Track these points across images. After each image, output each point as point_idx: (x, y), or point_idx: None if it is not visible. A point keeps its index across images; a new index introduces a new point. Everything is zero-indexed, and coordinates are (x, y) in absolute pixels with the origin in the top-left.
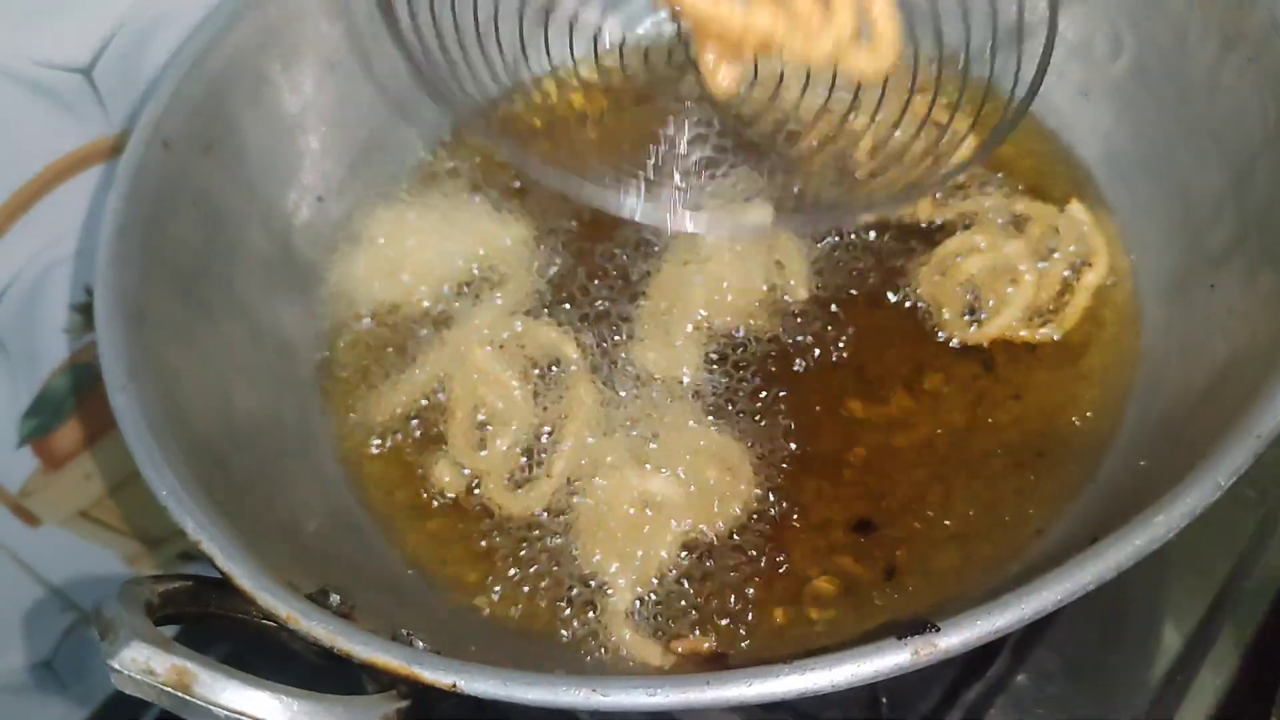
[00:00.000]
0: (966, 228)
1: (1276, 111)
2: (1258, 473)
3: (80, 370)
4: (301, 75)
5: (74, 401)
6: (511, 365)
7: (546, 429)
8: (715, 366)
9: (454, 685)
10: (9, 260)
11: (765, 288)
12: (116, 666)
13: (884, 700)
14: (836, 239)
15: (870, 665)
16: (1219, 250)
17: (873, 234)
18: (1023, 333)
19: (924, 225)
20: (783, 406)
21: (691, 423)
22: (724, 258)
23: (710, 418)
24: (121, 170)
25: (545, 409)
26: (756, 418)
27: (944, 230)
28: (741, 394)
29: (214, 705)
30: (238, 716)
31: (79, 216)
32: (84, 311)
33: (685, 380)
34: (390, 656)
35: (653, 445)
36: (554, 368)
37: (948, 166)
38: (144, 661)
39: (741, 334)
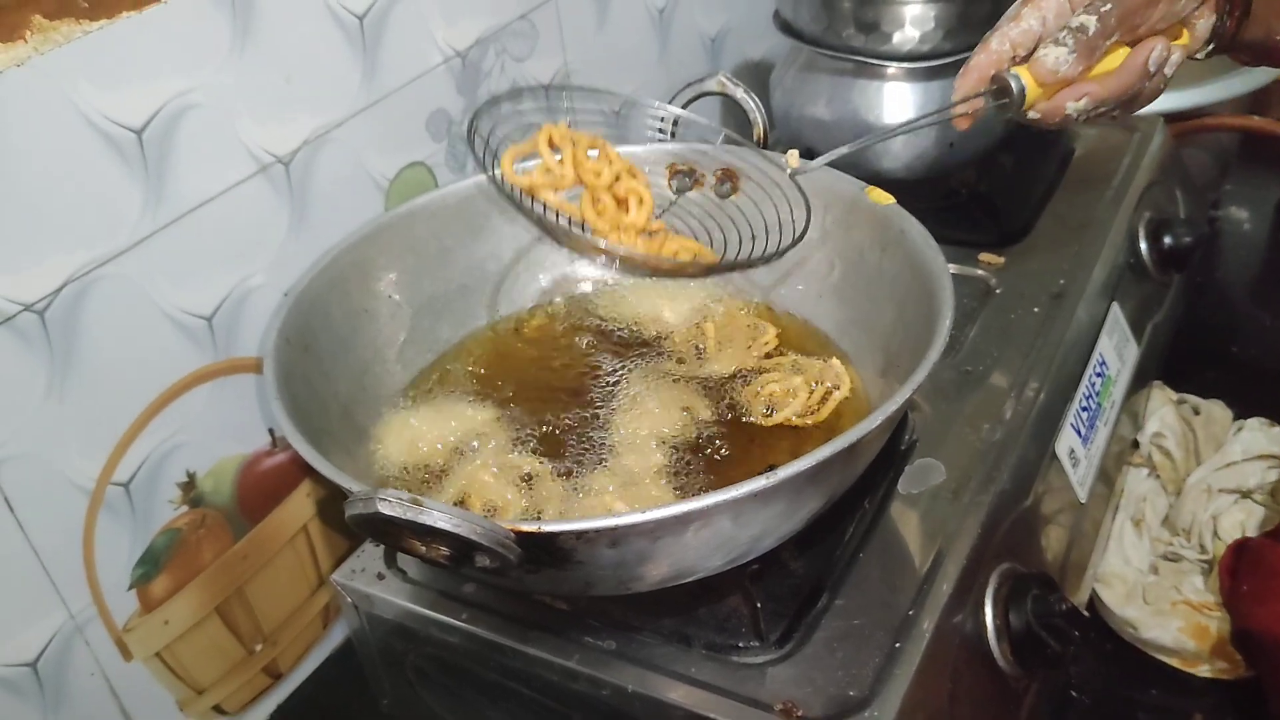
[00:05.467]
0: (772, 370)
1: (909, 274)
2: None
3: (173, 534)
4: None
5: (168, 557)
6: (505, 481)
7: (535, 512)
8: (664, 453)
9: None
10: (146, 445)
11: (681, 420)
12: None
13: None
14: (710, 383)
15: (743, 488)
16: (894, 351)
17: (732, 379)
18: (795, 420)
19: (749, 370)
20: (703, 464)
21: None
22: (659, 404)
23: (664, 480)
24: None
25: (530, 504)
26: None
27: (760, 373)
28: (682, 465)
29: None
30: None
31: (190, 418)
32: (184, 489)
33: (654, 461)
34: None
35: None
36: (531, 481)
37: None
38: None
39: (678, 436)
